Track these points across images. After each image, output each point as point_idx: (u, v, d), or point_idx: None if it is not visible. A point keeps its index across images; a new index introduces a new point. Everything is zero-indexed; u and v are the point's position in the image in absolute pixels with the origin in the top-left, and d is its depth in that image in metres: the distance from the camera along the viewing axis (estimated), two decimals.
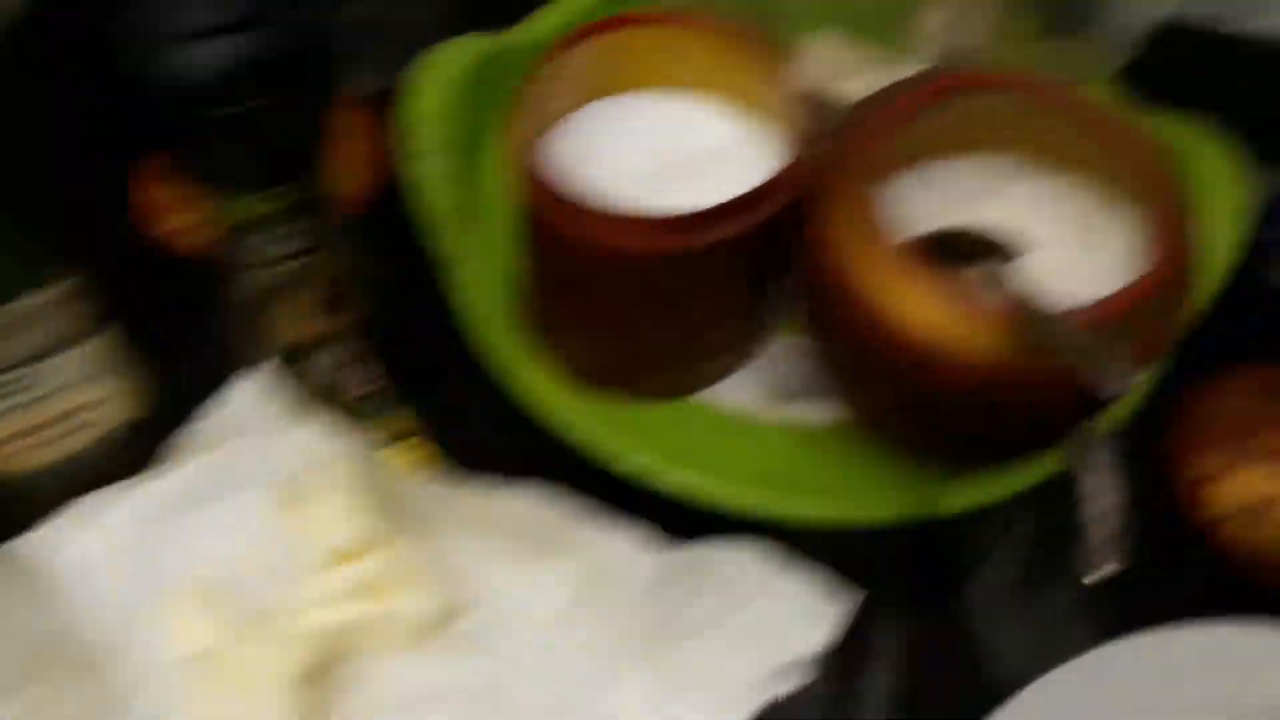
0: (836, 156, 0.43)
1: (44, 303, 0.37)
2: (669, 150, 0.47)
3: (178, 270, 0.55)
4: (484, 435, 0.52)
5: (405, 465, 0.44)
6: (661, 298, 0.44)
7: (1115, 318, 0.38)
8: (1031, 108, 0.46)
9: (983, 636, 0.48)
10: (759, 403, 0.50)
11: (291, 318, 0.43)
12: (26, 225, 0.37)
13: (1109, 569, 0.46)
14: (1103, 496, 0.49)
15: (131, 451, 0.44)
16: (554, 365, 0.50)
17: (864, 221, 0.41)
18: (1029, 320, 0.37)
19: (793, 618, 0.40)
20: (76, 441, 0.42)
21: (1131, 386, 0.34)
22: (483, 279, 0.51)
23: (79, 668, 0.40)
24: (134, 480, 0.42)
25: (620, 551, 0.40)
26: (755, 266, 0.45)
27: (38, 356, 0.38)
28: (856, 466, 0.49)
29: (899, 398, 0.43)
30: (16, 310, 0.37)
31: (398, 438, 0.44)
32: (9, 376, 0.38)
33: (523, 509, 0.42)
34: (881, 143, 0.43)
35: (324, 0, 0.39)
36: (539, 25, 0.61)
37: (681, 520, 0.48)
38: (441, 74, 0.55)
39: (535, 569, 0.41)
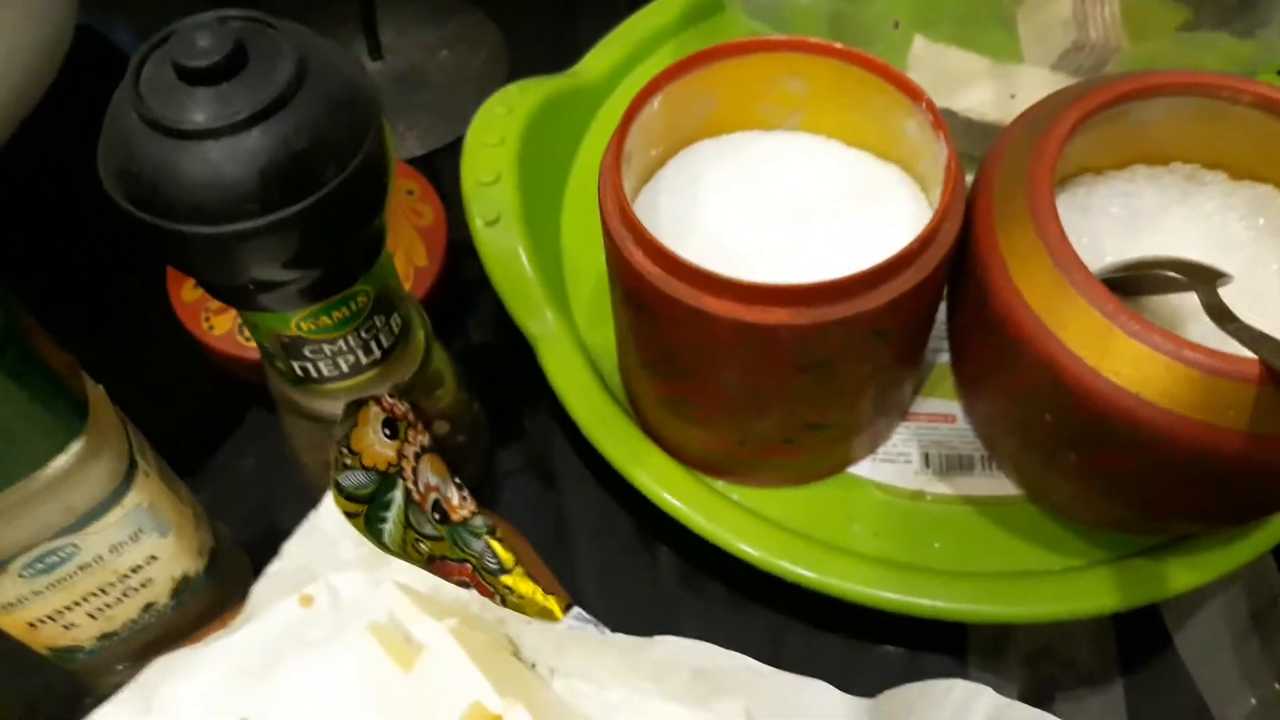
0: (1002, 188, 0.36)
1: (72, 464, 0.30)
2: (787, 197, 0.40)
3: (228, 393, 0.48)
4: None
5: (522, 601, 0.37)
6: (795, 375, 0.37)
7: None
8: (1215, 112, 0.39)
9: None
10: (917, 479, 0.43)
11: (361, 440, 0.36)
12: (53, 374, 0.30)
13: None
14: None
15: (199, 605, 0.38)
16: (671, 453, 0.43)
17: (1051, 263, 0.33)
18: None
19: None
20: (134, 605, 0.36)
21: None
22: (574, 361, 0.45)
23: None
24: (212, 638, 0.35)
25: (810, 697, 0.33)
26: (906, 332, 0.38)
27: (75, 523, 0.32)
28: (1050, 548, 0.41)
29: (1103, 471, 0.36)
30: (47, 476, 0.30)
31: (508, 568, 0.38)
32: (49, 547, 0.32)
33: (675, 655, 0.34)
34: (1052, 165, 0.36)
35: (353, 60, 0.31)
36: (595, 66, 0.54)
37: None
38: (503, 128, 0.49)
39: (709, 715, 0.34)
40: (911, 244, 0.34)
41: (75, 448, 0.30)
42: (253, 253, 0.30)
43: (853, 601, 0.40)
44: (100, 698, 0.35)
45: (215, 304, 0.47)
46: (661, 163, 0.41)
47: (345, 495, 0.35)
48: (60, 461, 0.30)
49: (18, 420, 0.29)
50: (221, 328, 0.47)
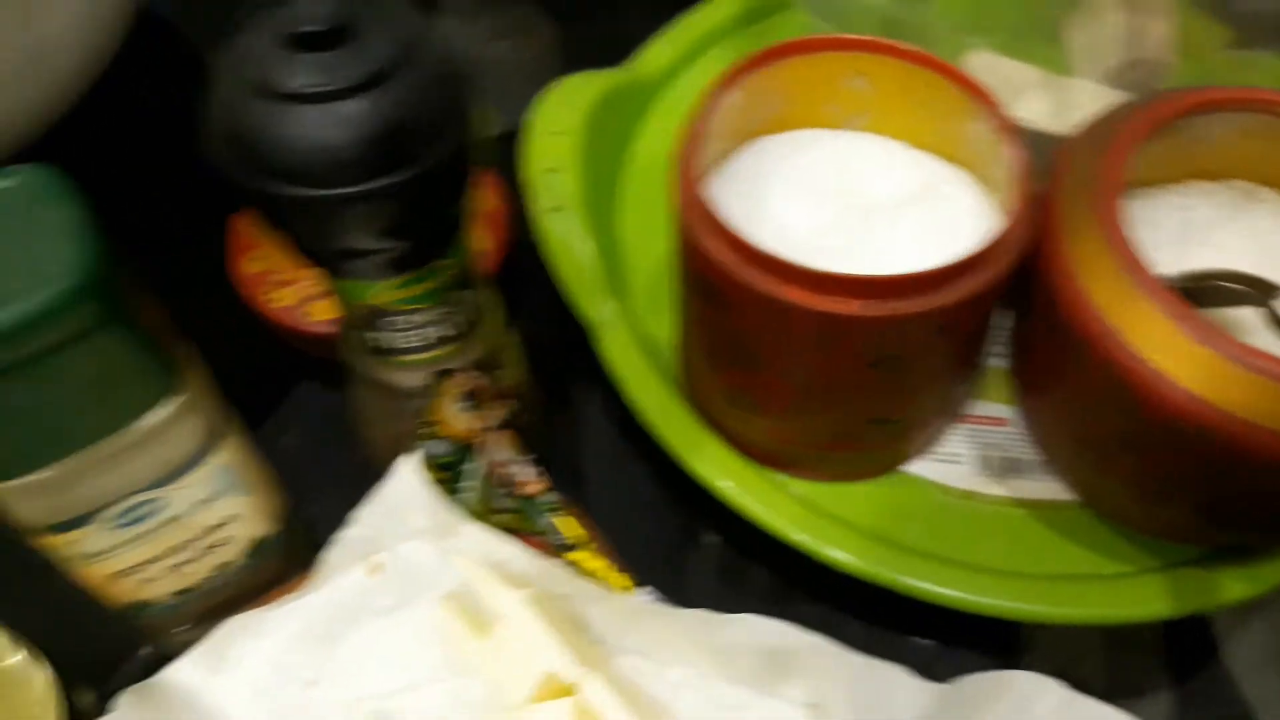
0: (1069, 195, 0.37)
1: (167, 418, 0.31)
2: (851, 195, 0.41)
3: (276, 369, 0.49)
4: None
5: (591, 576, 0.38)
6: (864, 369, 0.38)
7: None
8: (1271, 129, 0.40)
9: None
10: (970, 480, 0.44)
11: (442, 411, 0.37)
12: (147, 329, 0.31)
13: None
14: None
15: (267, 571, 0.39)
16: (729, 443, 0.44)
17: (1122, 269, 0.34)
18: None
19: None
20: (211, 562, 0.37)
21: None
22: (633, 349, 0.45)
23: None
24: (283, 601, 0.36)
25: (881, 682, 0.34)
26: (971, 331, 0.39)
27: (165, 477, 0.32)
28: (1101, 553, 0.42)
29: (1164, 474, 0.36)
30: (142, 429, 0.31)
31: (576, 544, 0.38)
32: (140, 499, 0.32)
33: (748, 634, 0.35)
34: (1119, 173, 0.37)
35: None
36: (652, 61, 0.55)
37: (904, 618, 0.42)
38: (567, 118, 0.50)
39: (772, 700, 0.34)
40: (987, 245, 0.35)
41: (172, 401, 0.31)
42: (350, 219, 0.30)
43: (910, 596, 0.41)
44: (158, 654, 0.36)
45: (277, 277, 0.48)
46: (725, 156, 0.42)
47: (429, 463, 0.36)
48: (159, 414, 0.31)
49: (121, 371, 0.29)
50: (282, 301, 0.48)
